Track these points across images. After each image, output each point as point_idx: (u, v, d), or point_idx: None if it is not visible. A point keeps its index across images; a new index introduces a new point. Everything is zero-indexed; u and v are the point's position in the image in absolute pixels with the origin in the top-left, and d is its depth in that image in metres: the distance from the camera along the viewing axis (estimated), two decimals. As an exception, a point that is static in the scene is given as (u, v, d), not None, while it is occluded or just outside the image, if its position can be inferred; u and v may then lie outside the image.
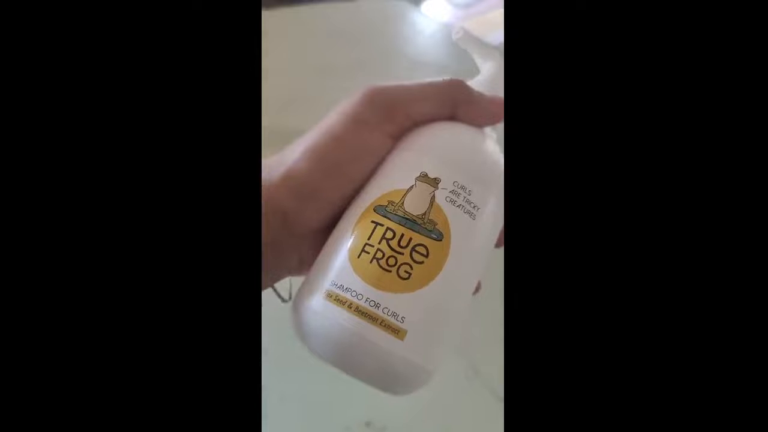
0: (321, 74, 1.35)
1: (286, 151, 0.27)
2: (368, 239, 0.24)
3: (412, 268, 0.24)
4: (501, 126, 0.28)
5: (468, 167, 0.26)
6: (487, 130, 0.29)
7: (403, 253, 0.24)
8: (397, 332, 0.23)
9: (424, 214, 0.25)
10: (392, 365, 0.23)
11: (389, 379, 0.24)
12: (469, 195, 0.25)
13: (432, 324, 0.24)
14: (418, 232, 0.24)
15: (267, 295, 0.27)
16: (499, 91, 0.29)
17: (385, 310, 0.23)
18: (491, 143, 0.28)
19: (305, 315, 0.24)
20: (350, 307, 0.23)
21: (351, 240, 0.25)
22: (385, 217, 0.25)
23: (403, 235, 0.24)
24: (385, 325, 0.23)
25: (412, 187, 0.25)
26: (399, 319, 0.23)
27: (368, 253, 0.24)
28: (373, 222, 0.25)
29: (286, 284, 0.29)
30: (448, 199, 0.25)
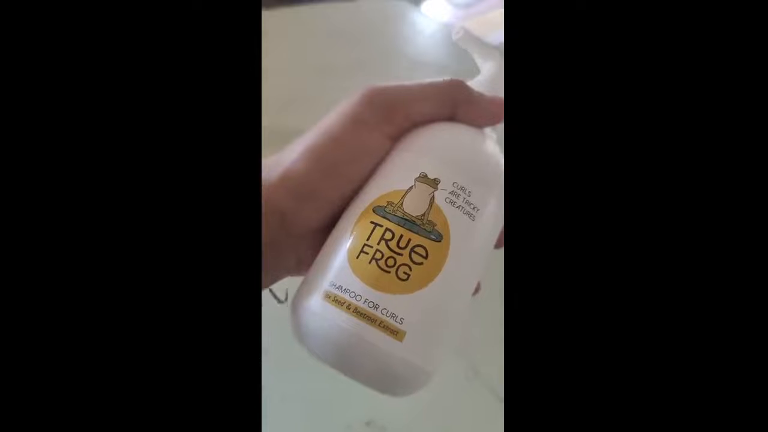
0: (321, 74, 1.35)
1: (284, 151, 0.27)
2: (367, 240, 0.24)
3: (411, 269, 0.24)
4: (501, 126, 0.28)
5: (468, 168, 0.26)
6: (487, 130, 0.29)
7: (402, 254, 0.24)
8: (395, 333, 0.23)
9: (424, 215, 0.25)
10: (391, 366, 0.23)
11: (388, 380, 0.24)
12: (469, 196, 0.25)
13: (431, 325, 0.24)
14: (417, 233, 0.24)
15: (267, 295, 0.27)
16: (499, 92, 0.29)
17: (384, 311, 0.23)
18: (491, 144, 0.28)
19: (304, 316, 0.24)
20: (349, 308, 0.23)
21: (350, 240, 0.25)
22: (384, 217, 0.25)
23: (402, 235, 0.24)
24: (383, 326, 0.23)
25: (411, 187, 0.25)
26: (398, 320, 0.23)
27: (367, 253, 0.24)
28: (372, 223, 0.25)
29: (283, 285, 0.29)
30: (447, 200, 0.25)
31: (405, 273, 0.24)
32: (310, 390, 0.67)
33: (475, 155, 0.27)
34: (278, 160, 0.26)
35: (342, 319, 0.23)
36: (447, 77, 0.28)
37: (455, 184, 0.25)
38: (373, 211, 0.25)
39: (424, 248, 0.24)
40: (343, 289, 0.24)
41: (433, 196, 0.25)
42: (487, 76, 0.30)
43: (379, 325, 0.23)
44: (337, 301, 0.23)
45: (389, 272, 0.24)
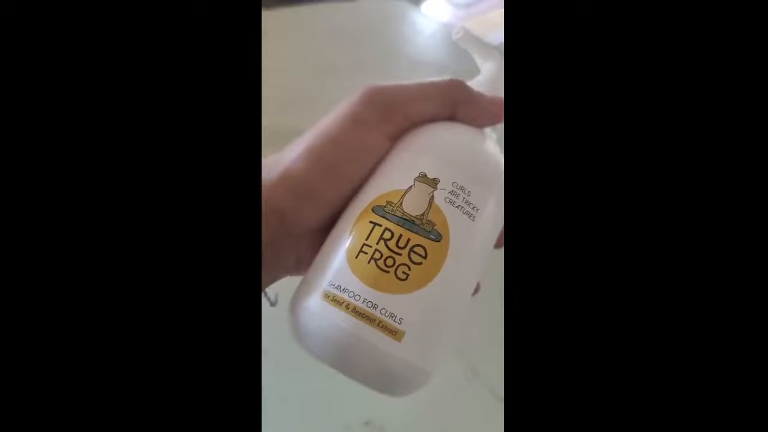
0: (321, 74, 1.35)
1: (284, 151, 0.27)
2: (366, 239, 0.24)
3: (410, 269, 0.24)
4: (501, 126, 0.28)
5: (467, 168, 0.26)
6: (487, 130, 0.29)
7: (401, 254, 0.24)
8: (394, 333, 0.23)
9: (423, 214, 0.25)
10: (390, 366, 0.23)
11: (387, 380, 0.24)
12: (469, 196, 0.25)
13: (430, 325, 0.24)
14: (416, 233, 0.24)
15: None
16: (499, 91, 0.29)
17: (383, 311, 0.23)
18: (491, 143, 0.28)
19: (302, 315, 0.24)
20: (348, 308, 0.23)
21: (349, 240, 0.25)
22: (383, 217, 0.25)
23: (401, 235, 0.24)
24: (382, 326, 0.23)
25: (410, 187, 0.25)
26: (397, 320, 0.23)
27: (366, 253, 0.24)
28: (371, 222, 0.25)
29: (275, 288, 0.29)
30: (447, 200, 0.25)
31: (404, 273, 0.24)
32: (309, 390, 0.68)
33: (474, 155, 0.27)
34: (278, 160, 0.26)
35: (341, 318, 0.23)
36: (447, 77, 0.28)
37: (455, 184, 0.25)
38: (373, 211, 0.25)
39: (424, 248, 0.24)
40: (342, 288, 0.24)
41: (433, 196, 0.25)
42: (487, 76, 0.30)
43: (378, 324, 0.23)
44: (336, 301, 0.23)
45: (388, 272, 0.24)
